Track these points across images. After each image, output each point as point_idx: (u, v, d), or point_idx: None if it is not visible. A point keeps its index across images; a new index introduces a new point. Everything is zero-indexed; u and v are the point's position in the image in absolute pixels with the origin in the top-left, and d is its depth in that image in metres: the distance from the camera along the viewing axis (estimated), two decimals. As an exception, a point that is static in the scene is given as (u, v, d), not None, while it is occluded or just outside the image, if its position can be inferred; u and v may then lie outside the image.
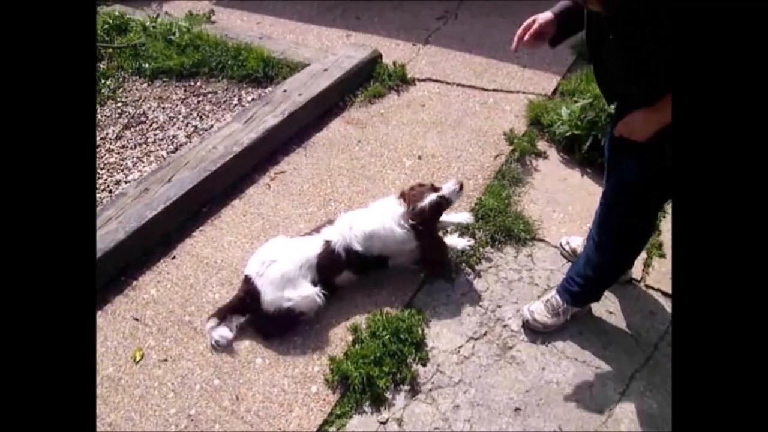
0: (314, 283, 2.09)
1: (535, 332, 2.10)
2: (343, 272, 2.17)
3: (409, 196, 2.17)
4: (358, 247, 2.11)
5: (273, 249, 2.15)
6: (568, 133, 2.85)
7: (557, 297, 2.07)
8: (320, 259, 2.10)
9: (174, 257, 2.49)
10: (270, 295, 2.04)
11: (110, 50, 3.93)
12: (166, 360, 2.10)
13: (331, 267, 2.12)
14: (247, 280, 2.10)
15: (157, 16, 4.16)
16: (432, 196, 2.13)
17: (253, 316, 2.13)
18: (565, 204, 2.64)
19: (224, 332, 2.09)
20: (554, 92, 3.33)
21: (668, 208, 2.49)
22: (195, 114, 3.40)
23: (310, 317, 2.14)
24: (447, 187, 2.16)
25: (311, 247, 2.12)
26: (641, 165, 1.62)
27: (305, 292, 2.06)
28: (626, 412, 1.87)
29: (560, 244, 2.40)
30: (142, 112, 3.45)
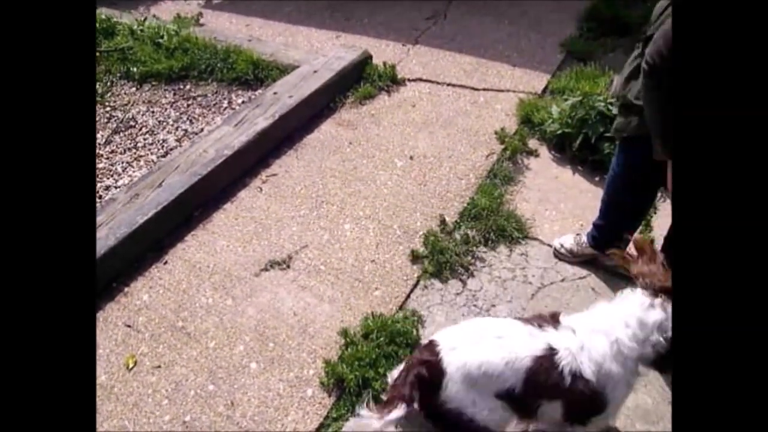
0: (510, 395, 1.46)
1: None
2: (556, 402, 1.49)
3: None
4: (589, 375, 1.44)
5: (480, 329, 1.56)
6: (558, 132, 2.86)
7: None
8: (534, 370, 1.44)
9: (166, 262, 2.47)
10: (455, 387, 1.46)
11: (97, 54, 3.89)
12: (159, 366, 2.08)
13: (544, 388, 1.45)
14: (432, 348, 1.52)
15: (145, 19, 4.13)
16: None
17: (422, 394, 1.51)
18: (557, 202, 2.65)
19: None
20: (544, 91, 3.34)
21: (658, 204, 2.52)
22: (185, 118, 3.38)
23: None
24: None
25: (526, 348, 1.47)
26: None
27: (499, 408, 1.49)
28: (622, 408, 1.88)
29: (554, 248, 2.40)
30: (131, 117, 3.42)
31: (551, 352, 1.45)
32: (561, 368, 1.44)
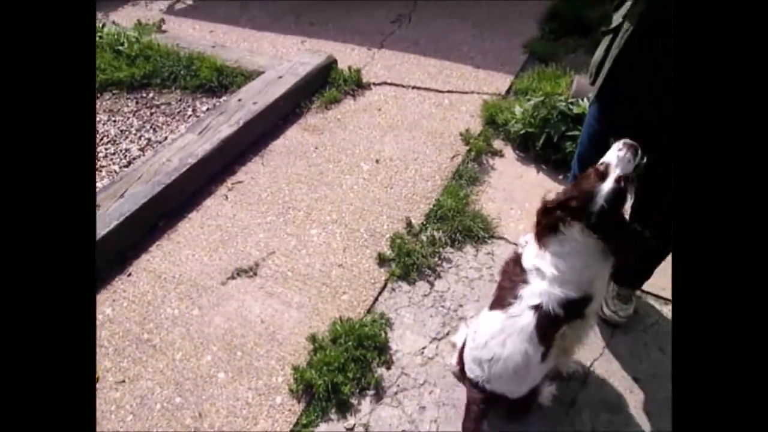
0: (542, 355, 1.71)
1: None
2: (562, 328, 1.76)
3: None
4: (572, 293, 1.64)
5: (483, 344, 1.74)
6: (522, 131, 2.91)
7: None
8: (539, 329, 1.66)
9: (130, 274, 2.43)
10: (514, 391, 1.75)
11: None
12: (123, 381, 2.03)
13: (551, 330, 1.70)
14: (476, 386, 1.76)
15: (104, 25, 4.05)
16: (605, 185, 1.57)
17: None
18: (522, 201, 2.69)
19: None
20: (508, 91, 3.39)
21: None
22: (148, 126, 3.32)
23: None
24: (615, 157, 1.57)
25: (524, 324, 1.66)
26: None
27: (544, 369, 1.77)
28: (587, 401, 1.92)
29: (520, 246, 2.42)
30: (92, 127, 3.35)
31: (539, 310, 1.64)
32: (554, 311, 1.63)
